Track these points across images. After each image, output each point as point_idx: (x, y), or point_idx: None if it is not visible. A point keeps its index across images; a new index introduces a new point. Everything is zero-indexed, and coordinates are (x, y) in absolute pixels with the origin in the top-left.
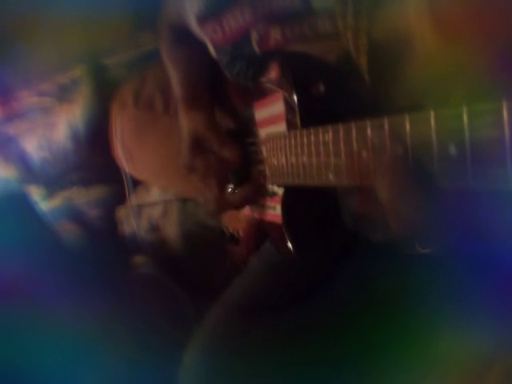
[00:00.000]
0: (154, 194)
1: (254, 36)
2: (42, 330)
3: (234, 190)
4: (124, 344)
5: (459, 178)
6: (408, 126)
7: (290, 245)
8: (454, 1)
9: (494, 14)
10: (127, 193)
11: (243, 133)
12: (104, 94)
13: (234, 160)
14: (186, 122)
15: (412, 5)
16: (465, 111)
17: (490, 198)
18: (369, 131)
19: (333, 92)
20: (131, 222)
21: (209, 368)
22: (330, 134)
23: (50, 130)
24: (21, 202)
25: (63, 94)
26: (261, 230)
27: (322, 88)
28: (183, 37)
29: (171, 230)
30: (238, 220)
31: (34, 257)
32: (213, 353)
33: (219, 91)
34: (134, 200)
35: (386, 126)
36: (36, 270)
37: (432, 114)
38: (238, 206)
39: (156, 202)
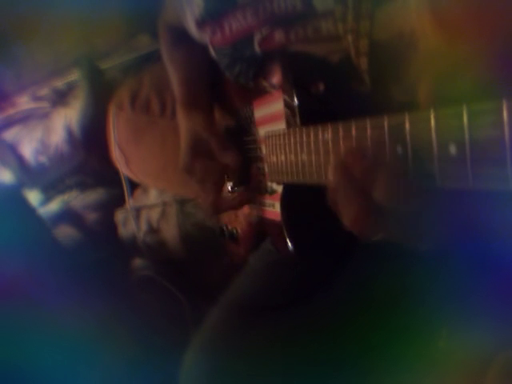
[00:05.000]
0: (153, 195)
1: (258, 37)
2: (44, 331)
3: (233, 188)
4: (124, 344)
5: (459, 177)
6: (408, 126)
7: (289, 243)
8: (455, 0)
9: (495, 14)
10: (126, 195)
11: (242, 131)
12: (101, 97)
13: (233, 164)
14: (185, 123)
15: (413, 5)
16: (465, 111)
17: (490, 198)
18: (368, 130)
19: (333, 92)
20: (130, 225)
21: (209, 368)
22: (330, 132)
23: (48, 134)
24: (19, 206)
25: (60, 98)
26: (260, 229)
27: (321, 88)
28: (183, 38)
29: (170, 232)
30: (237, 219)
31: (33, 259)
32: (213, 353)
33: (218, 90)
34: (132, 202)
35: (386, 126)
36: (36, 272)
37: (432, 113)
38: (236, 208)
39: (155, 204)
